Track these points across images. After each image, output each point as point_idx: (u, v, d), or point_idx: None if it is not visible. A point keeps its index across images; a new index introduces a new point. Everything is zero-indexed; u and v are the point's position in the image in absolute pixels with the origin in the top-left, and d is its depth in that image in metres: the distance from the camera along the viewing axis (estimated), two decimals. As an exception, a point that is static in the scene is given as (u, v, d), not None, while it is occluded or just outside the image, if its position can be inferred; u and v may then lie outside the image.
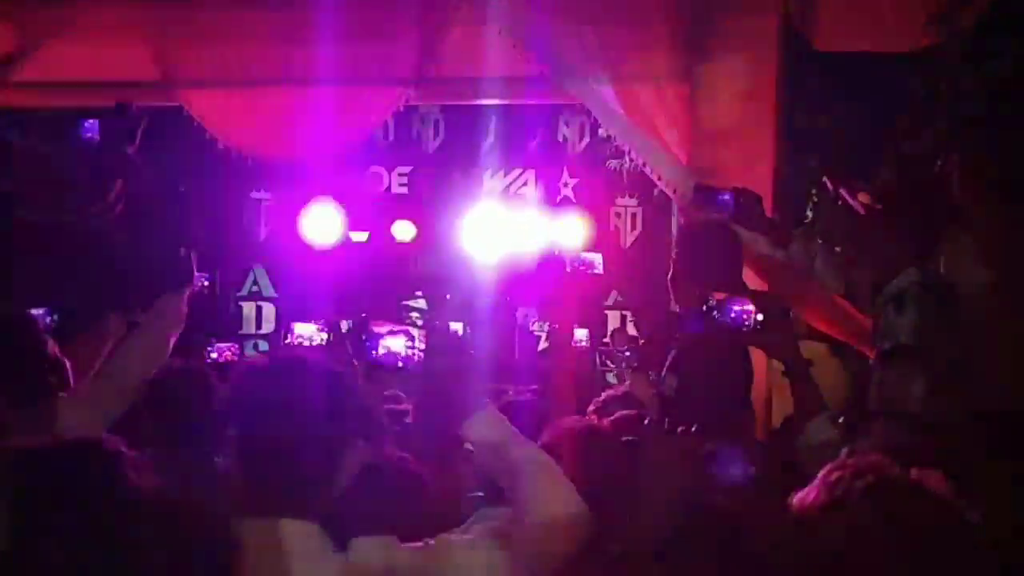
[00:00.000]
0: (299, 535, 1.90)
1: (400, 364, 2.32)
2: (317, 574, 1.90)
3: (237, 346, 6.50)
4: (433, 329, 3.03)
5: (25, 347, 2.79)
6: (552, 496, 2.03)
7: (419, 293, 6.80)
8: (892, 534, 1.54)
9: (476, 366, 2.23)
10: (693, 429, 2.51)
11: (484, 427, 2.11)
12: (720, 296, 2.97)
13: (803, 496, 1.65)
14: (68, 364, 2.93)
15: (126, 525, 1.68)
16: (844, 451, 2.49)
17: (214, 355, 5.74)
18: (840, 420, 2.69)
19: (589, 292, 6.97)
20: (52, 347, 2.87)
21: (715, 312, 2.92)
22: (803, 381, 2.90)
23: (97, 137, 3.48)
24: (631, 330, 7.44)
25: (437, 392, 2.26)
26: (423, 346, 2.34)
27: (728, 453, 2.34)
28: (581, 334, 6.36)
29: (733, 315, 2.89)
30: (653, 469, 2.43)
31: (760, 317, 2.88)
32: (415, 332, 2.50)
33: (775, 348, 3.03)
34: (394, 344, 2.36)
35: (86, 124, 3.49)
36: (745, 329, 2.90)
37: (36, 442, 1.77)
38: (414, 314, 6.58)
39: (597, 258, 5.93)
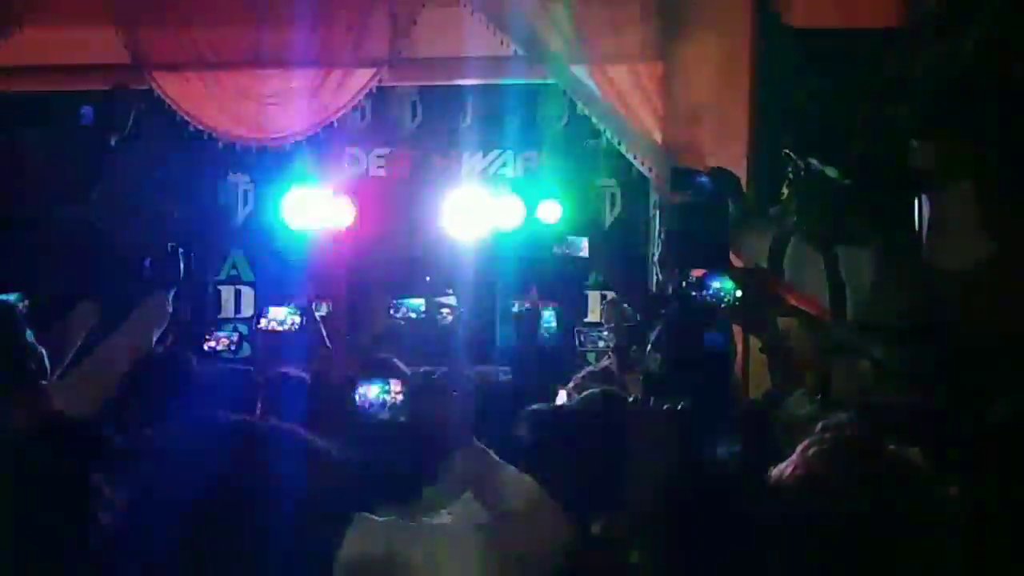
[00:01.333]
0: None
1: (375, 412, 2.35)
2: None
3: (237, 335, 6.49)
4: (416, 375, 3.04)
5: (4, 334, 2.80)
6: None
7: (449, 291, 6.78)
8: (868, 507, 1.55)
9: (460, 403, 2.27)
10: (679, 407, 2.53)
11: (469, 462, 2.17)
12: (699, 273, 2.98)
13: (781, 470, 1.66)
14: (44, 352, 2.93)
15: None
16: (819, 426, 2.52)
17: (211, 343, 5.77)
18: (817, 397, 2.71)
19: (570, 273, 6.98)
20: (29, 335, 2.88)
21: (694, 289, 2.93)
22: (781, 357, 2.92)
23: (92, 122, 3.47)
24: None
25: (420, 437, 2.31)
26: (399, 393, 2.36)
27: (713, 430, 2.36)
28: (549, 315, 6.36)
29: (712, 292, 2.90)
30: (638, 446, 2.45)
31: (739, 293, 2.89)
32: (393, 381, 2.51)
33: (753, 324, 3.05)
34: (371, 392, 2.38)
35: (83, 110, 3.48)
36: (724, 306, 2.92)
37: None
38: (445, 310, 6.58)
39: (581, 241, 5.95)
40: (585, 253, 5.90)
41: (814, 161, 3.57)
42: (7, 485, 1.77)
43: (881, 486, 1.57)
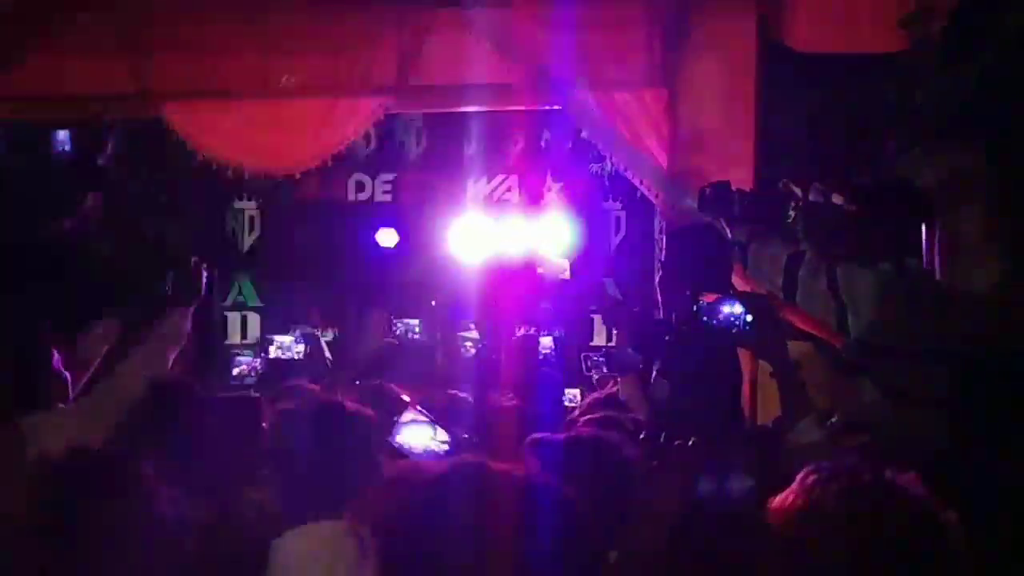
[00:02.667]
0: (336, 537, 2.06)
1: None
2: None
3: (258, 361, 6.53)
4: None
5: (30, 361, 2.84)
6: None
7: (471, 324, 6.82)
8: (867, 536, 1.55)
9: None
10: (690, 443, 2.52)
11: None
12: (710, 298, 2.97)
13: (781, 500, 1.67)
14: (68, 377, 2.97)
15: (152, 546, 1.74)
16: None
17: (236, 370, 5.82)
18: (829, 423, 2.70)
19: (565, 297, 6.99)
20: (56, 359, 2.92)
21: (704, 315, 2.92)
22: (791, 382, 2.91)
23: (69, 148, 3.48)
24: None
25: None
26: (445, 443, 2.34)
27: (727, 467, 2.34)
28: (546, 342, 6.36)
29: (722, 316, 2.90)
30: (650, 482, 2.44)
31: (749, 318, 2.89)
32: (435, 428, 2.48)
33: (764, 349, 3.04)
34: (414, 438, 2.35)
35: (59, 136, 3.48)
36: (735, 331, 2.91)
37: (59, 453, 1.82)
38: (468, 343, 6.61)
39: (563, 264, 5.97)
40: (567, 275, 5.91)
41: (817, 187, 3.58)
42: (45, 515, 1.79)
43: (879, 517, 1.57)
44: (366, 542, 1.86)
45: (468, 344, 6.83)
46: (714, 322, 2.90)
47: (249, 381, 7.20)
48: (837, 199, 3.26)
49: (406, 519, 1.25)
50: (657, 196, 4.62)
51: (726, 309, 2.89)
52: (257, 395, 4.10)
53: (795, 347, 3.70)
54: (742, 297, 3.06)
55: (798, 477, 1.67)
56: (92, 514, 1.79)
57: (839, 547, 1.55)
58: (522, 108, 5.57)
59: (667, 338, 3.81)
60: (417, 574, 1.24)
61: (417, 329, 7.47)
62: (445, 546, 1.23)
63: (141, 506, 1.81)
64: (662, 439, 2.67)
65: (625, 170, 4.73)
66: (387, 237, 8.14)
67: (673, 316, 3.69)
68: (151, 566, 1.77)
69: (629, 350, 4.08)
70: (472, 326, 6.91)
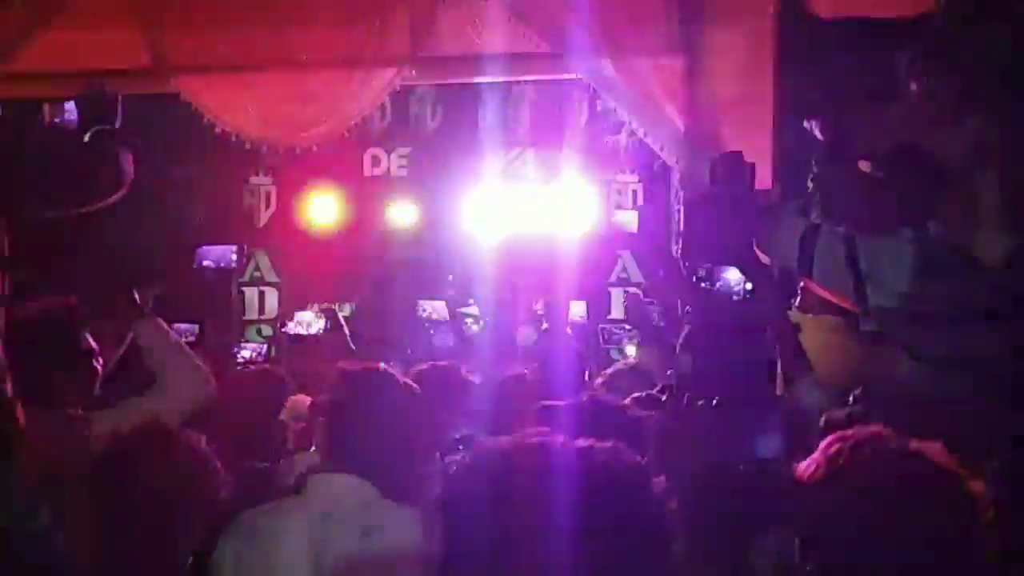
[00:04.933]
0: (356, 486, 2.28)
1: None
2: (370, 517, 2.25)
3: (265, 345, 6.59)
4: None
5: (63, 339, 2.84)
6: None
7: (471, 301, 6.81)
8: (892, 505, 1.54)
9: None
10: (714, 403, 2.50)
11: None
12: (708, 266, 2.97)
13: (805, 467, 1.66)
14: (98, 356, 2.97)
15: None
16: (823, 419, 2.50)
17: (243, 354, 5.86)
18: (848, 409, 2.68)
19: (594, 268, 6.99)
20: (87, 339, 2.92)
21: (704, 282, 2.92)
22: (790, 346, 2.90)
23: (76, 119, 3.43)
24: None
25: None
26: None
27: (755, 425, 2.33)
28: (579, 309, 6.37)
29: (721, 283, 2.90)
30: (676, 443, 2.43)
31: (749, 285, 2.88)
32: None
33: (763, 313, 3.02)
34: None
35: (65, 107, 3.43)
36: (735, 297, 2.90)
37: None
38: (469, 319, 6.62)
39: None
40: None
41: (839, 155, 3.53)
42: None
43: (904, 487, 1.56)
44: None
45: (470, 321, 6.84)
46: (714, 290, 2.90)
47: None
48: (864, 166, 3.22)
49: (473, 492, 1.21)
50: (677, 162, 4.59)
51: (724, 276, 2.88)
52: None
53: (824, 320, 3.68)
54: (741, 264, 3.04)
55: (821, 446, 1.66)
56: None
57: (864, 517, 1.53)
58: (539, 78, 5.53)
59: (688, 309, 3.79)
60: (483, 547, 1.20)
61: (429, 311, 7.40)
62: (511, 519, 1.18)
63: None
64: (685, 400, 2.66)
65: (645, 136, 4.69)
66: (404, 212, 8.13)
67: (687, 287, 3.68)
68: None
69: (651, 302, 4.08)
70: (471, 302, 6.91)
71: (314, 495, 2.34)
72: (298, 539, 2.25)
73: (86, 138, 3.22)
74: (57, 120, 3.43)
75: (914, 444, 1.62)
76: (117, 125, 3.36)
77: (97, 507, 1.87)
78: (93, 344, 2.92)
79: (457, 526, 1.22)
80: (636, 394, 3.89)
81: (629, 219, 7.62)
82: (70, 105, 3.40)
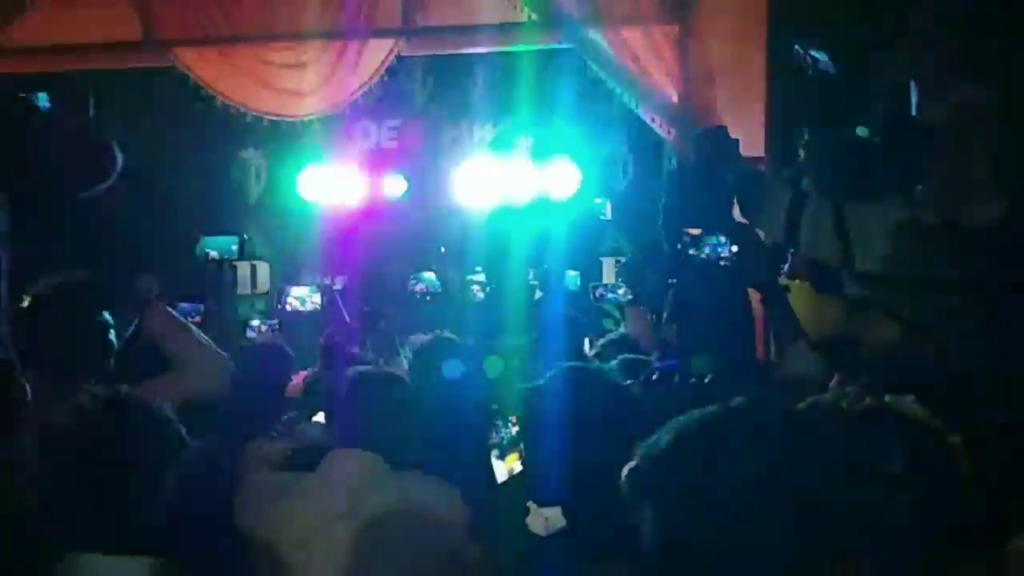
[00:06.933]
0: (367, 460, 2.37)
1: None
2: (375, 484, 2.33)
3: (276, 323, 6.59)
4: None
5: (80, 312, 2.84)
6: None
7: (478, 268, 6.81)
8: (867, 461, 1.51)
9: None
10: (706, 380, 2.53)
11: None
12: (695, 232, 2.98)
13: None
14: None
15: None
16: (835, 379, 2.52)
17: (251, 333, 5.90)
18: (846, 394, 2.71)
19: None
20: (103, 314, 2.93)
21: (691, 248, 2.94)
22: (779, 309, 2.93)
23: (49, 106, 3.43)
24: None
25: None
26: None
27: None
28: (573, 277, 6.42)
29: (708, 249, 2.92)
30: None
31: (735, 248, 2.91)
32: None
33: (751, 277, 3.05)
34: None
35: (39, 94, 3.42)
36: (722, 262, 2.93)
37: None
38: (475, 287, 6.63)
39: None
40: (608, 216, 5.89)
41: (820, 57, 3.54)
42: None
43: (879, 440, 1.55)
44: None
45: (475, 288, 6.85)
46: (701, 255, 2.92)
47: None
48: (862, 131, 3.26)
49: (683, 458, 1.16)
50: (669, 132, 4.60)
51: (712, 241, 2.91)
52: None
53: (803, 285, 3.72)
54: (726, 229, 3.08)
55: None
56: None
57: (839, 473, 1.54)
58: (531, 48, 5.52)
59: (672, 280, 3.82)
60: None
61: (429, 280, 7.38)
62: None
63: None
64: (676, 378, 2.70)
65: (636, 107, 4.70)
66: (394, 185, 8.12)
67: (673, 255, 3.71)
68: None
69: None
70: (479, 269, 6.92)
71: (331, 466, 2.40)
72: (325, 503, 2.31)
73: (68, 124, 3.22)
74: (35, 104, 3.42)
75: (888, 399, 1.62)
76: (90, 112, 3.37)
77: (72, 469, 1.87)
78: (109, 319, 2.93)
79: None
80: (623, 356, 3.94)
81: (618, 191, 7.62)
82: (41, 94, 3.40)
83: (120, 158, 3.43)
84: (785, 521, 1.09)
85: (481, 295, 6.50)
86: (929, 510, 1.50)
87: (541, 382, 2.54)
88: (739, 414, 1.17)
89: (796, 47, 3.66)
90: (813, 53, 3.65)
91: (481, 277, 6.71)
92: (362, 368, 2.77)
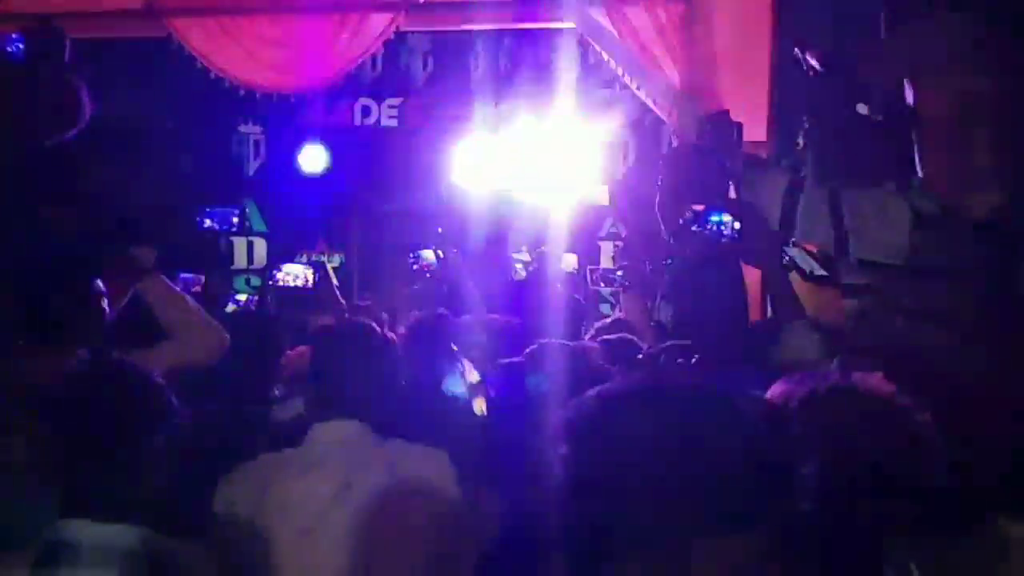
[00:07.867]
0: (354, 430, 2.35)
1: None
2: (365, 458, 2.31)
3: (256, 295, 6.59)
4: None
5: (74, 282, 2.83)
6: None
7: (523, 247, 6.79)
8: (835, 439, 1.51)
9: None
10: (693, 360, 2.51)
11: None
12: (698, 207, 2.96)
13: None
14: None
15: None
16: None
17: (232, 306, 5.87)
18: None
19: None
20: (98, 285, 2.91)
21: (693, 224, 2.92)
22: (780, 287, 2.91)
23: (21, 54, 3.34)
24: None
25: None
26: None
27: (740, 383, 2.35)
28: (570, 260, 6.40)
29: (711, 226, 2.90)
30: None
31: (737, 225, 2.89)
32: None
33: (753, 256, 3.03)
34: None
35: (12, 37, 3.32)
36: (724, 239, 2.91)
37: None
38: (518, 265, 6.61)
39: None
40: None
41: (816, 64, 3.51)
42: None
43: (842, 416, 1.54)
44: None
45: (519, 267, 6.84)
46: (704, 231, 2.89)
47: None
48: (862, 109, 3.23)
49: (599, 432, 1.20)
50: (670, 115, 4.57)
51: (715, 218, 2.89)
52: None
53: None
54: (730, 205, 3.05)
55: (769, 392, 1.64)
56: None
57: (807, 451, 1.53)
58: (532, 26, 5.48)
59: (667, 261, 3.80)
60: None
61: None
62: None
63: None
64: (662, 360, 2.68)
65: (638, 89, 4.66)
66: (392, 163, 8.10)
67: (670, 236, 3.69)
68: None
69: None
70: (523, 248, 6.91)
71: (317, 441, 2.38)
72: (319, 484, 2.29)
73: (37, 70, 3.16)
74: (9, 49, 3.33)
75: (855, 376, 1.61)
76: (66, 59, 3.29)
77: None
78: (102, 288, 2.90)
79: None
80: (604, 336, 3.91)
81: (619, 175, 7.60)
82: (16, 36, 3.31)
83: (88, 106, 3.33)
84: (674, 488, 1.15)
85: (523, 273, 6.47)
86: (884, 485, 1.50)
87: (519, 359, 2.55)
88: (672, 389, 1.24)
89: (795, 49, 3.63)
90: (810, 59, 3.62)
91: (524, 256, 6.69)
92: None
